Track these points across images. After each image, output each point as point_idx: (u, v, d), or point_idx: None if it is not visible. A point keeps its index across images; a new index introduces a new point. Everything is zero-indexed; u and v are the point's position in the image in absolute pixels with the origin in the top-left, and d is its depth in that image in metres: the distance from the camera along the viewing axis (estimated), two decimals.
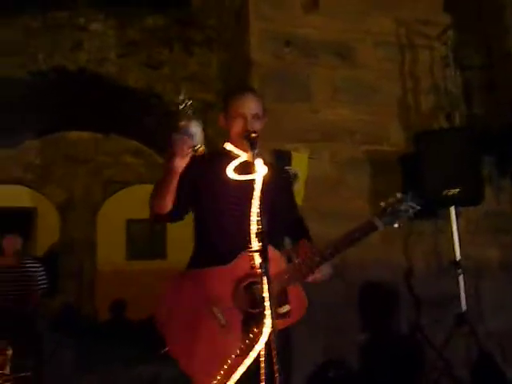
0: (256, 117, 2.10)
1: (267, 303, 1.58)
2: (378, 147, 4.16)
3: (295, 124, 4.08)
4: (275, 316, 1.92)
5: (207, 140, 1.85)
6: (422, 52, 4.35)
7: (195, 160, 2.08)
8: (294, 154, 3.92)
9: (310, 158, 3.99)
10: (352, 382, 3.61)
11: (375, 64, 4.27)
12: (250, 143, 1.86)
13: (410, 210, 2.02)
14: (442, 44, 4.36)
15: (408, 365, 3.78)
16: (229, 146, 2.13)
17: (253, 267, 1.64)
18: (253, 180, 1.77)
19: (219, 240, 2.02)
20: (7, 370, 3.56)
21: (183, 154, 1.76)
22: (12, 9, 5.48)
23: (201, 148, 1.76)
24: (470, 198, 3.71)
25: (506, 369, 3.59)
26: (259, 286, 1.90)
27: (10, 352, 3.58)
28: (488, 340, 3.65)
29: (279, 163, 3.82)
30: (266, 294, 1.60)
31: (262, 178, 1.72)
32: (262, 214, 1.67)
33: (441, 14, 4.45)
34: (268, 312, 1.58)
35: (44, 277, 4.68)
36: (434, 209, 3.96)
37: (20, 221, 8.44)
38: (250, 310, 1.87)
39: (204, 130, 1.77)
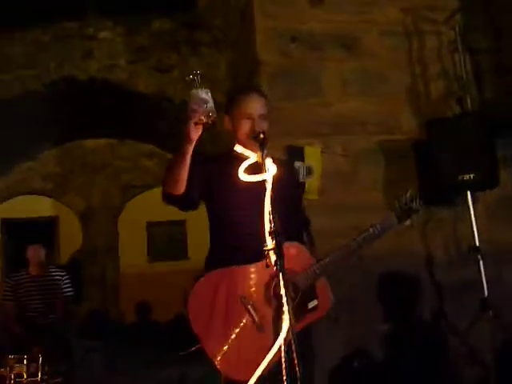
0: (263, 117, 2.13)
1: (284, 300, 1.61)
2: (390, 137, 4.15)
3: (307, 119, 4.10)
4: (304, 311, 1.99)
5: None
6: (429, 38, 4.32)
7: (208, 160, 2.13)
8: (307, 149, 3.94)
9: (322, 151, 4.01)
10: (376, 371, 3.63)
11: (383, 53, 4.26)
12: (259, 144, 1.90)
13: (420, 209, 2.10)
14: (450, 29, 4.32)
15: (432, 352, 3.78)
16: (239, 149, 2.17)
17: (268, 266, 1.67)
18: (264, 180, 1.80)
19: (239, 239, 2.06)
20: (39, 377, 3.66)
21: (197, 119, 1.80)
22: (23, 23, 5.59)
23: (213, 116, 1.81)
24: (485, 183, 3.70)
25: None
26: (290, 283, 1.96)
27: (40, 360, 3.67)
28: None
29: (292, 159, 3.86)
30: (282, 291, 1.63)
31: (272, 178, 1.75)
32: (274, 212, 1.70)
33: None
34: (286, 308, 1.61)
35: (69, 284, 4.78)
36: (450, 195, 3.96)
37: (42, 230, 8.60)
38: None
39: (214, 99, 1.83)
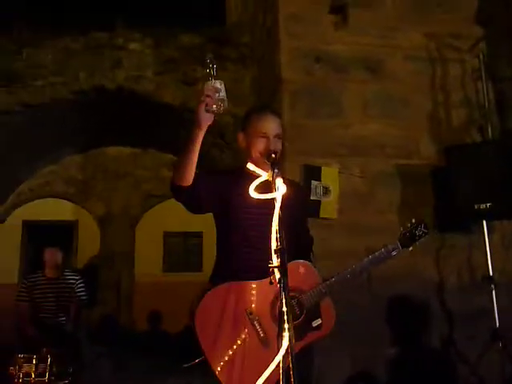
0: (277, 137, 2.17)
1: (285, 317, 1.64)
2: (408, 161, 4.16)
3: (326, 139, 4.13)
4: (308, 329, 2.02)
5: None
6: (452, 65, 4.35)
7: (222, 173, 2.18)
8: (324, 169, 3.97)
9: (340, 172, 4.03)
10: None
11: (406, 78, 4.29)
12: (270, 163, 1.94)
13: (423, 236, 2.22)
14: (474, 57, 4.34)
15: (440, 380, 3.74)
16: (251, 167, 2.21)
17: (272, 282, 1.70)
18: (274, 198, 1.84)
19: (247, 254, 2.10)
20: (46, 378, 3.71)
21: (208, 106, 1.85)
22: (55, 32, 5.75)
23: (224, 105, 1.87)
24: (501, 212, 3.68)
25: None
26: (295, 300, 1.99)
27: (49, 360, 3.73)
28: None
29: (309, 178, 3.89)
30: (284, 309, 1.65)
31: (281, 197, 1.79)
32: (281, 231, 1.74)
33: (472, 27, 4.44)
34: (286, 326, 1.63)
35: (83, 289, 4.84)
36: (466, 222, 3.94)
37: (62, 234, 8.73)
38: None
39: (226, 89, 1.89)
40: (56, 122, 6.34)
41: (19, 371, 3.70)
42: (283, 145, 4.04)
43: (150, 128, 6.86)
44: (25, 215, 9.49)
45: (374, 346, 3.67)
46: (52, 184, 9.17)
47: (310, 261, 2.19)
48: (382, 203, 4.05)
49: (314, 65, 4.20)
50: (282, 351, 1.64)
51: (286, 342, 1.63)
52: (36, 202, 9.30)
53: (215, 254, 2.25)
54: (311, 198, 3.80)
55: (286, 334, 1.63)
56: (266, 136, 2.16)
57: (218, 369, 1.96)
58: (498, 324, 3.51)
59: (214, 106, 1.86)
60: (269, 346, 1.97)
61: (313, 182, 3.83)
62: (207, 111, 1.88)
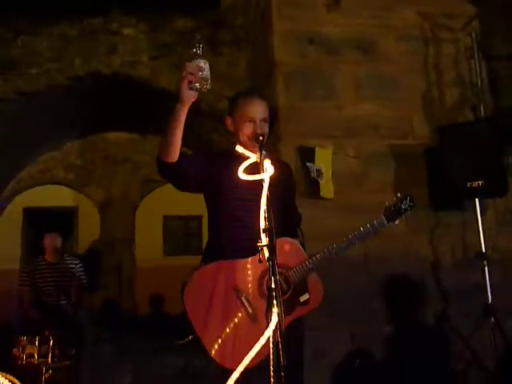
0: (264, 120, 2.22)
1: (274, 293, 1.70)
2: (402, 141, 4.19)
3: (320, 121, 4.16)
4: (296, 304, 2.08)
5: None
6: (446, 45, 4.36)
7: (212, 154, 2.23)
8: (318, 150, 4.00)
9: (334, 153, 4.07)
10: (378, 372, 3.69)
11: (398, 58, 4.30)
12: (258, 146, 1.99)
13: (409, 209, 2.17)
14: (467, 35, 4.35)
15: (435, 356, 3.82)
16: (240, 149, 2.26)
17: (261, 261, 1.76)
18: (262, 179, 1.88)
19: (236, 234, 2.15)
20: (49, 358, 3.81)
21: (191, 83, 1.90)
22: (50, 18, 5.74)
23: (207, 85, 1.92)
24: (493, 190, 3.72)
25: None
26: (282, 276, 2.05)
27: (51, 342, 3.82)
28: None
29: (304, 160, 3.93)
30: (273, 285, 1.71)
31: (269, 178, 1.83)
32: (269, 210, 1.79)
33: (465, 5, 4.44)
34: (274, 302, 1.69)
35: (83, 272, 4.93)
36: (459, 201, 3.99)
37: (62, 220, 8.80)
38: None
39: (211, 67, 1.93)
40: (53, 109, 6.36)
41: (22, 352, 3.80)
42: (278, 127, 4.13)
43: (147, 113, 6.88)
44: (25, 202, 9.54)
45: (371, 324, 3.75)
46: (52, 170, 9.21)
47: (296, 237, 2.24)
48: (376, 183, 4.09)
49: (307, 47, 4.22)
50: (271, 326, 1.70)
51: (274, 318, 1.69)
52: (36, 188, 9.34)
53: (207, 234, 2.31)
54: (312, 177, 3.85)
55: (274, 310, 1.69)
56: (253, 120, 2.21)
57: (211, 346, 2.03)
58: (490, 299, 3.57)
59: (197, 84, 1.91)
60: (258, 322, 2.03)
61: (307, 163, 3.87)
62: (191, 89, 1.92)
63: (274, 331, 1.70)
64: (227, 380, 1.87)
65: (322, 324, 3.45)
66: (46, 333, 3.86)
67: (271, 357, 1.70)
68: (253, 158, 2.09)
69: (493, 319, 3.47)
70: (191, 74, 1.90)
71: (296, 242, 2.20)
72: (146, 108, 6.69)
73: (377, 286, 3.82)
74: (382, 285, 3.84)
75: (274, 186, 1.86)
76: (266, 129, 2.22)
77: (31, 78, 5.60)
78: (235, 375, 1.72)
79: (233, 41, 5.73)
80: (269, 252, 1.74)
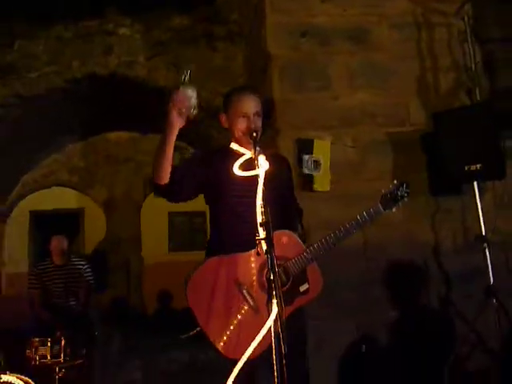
0: (257, 114, 2.27)
1: (273, 285, 1.74)
2: (399, 128, 4.21)
3: (316, 112, 4.19)
4: (296, 294, 2.13)
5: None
6: (439, 30, 4.36)
7: (206, 156, 2.28)
8: (316, 142, 4.04)
9: (332, 143, 4.10)
10: (383, 358, 3.74)
11: (392, 46, 4.32)
12: (252, 142, 2.03)
13: (405, 196, 2.23)
14: (460, 19, 4.36)
15: (440, 340, 3.86)
16: (235, 146, 2.31)
17: (259, 254, 1.80)
18: (257, 175, 1.93)
19: (236, 228, 2.20)
20: (61, 358, 3.89)
21: (180, 110, 1.98)
22: (46, 22, 5.77)
23: (195, 111, 1.99)
24: (491, 173, 3.74)
25: None
26: (281, 268, 2.10)
27: (63, 342, 3.90)
28: None
29: (302, 152, 3.97)
30: (272, 277, 1.76)
31: (264, 173, 1.88)
32: (266, 205, 1.83)
33: None
34: (274, 293, 1.74)
35: (90, 273, 5.00)
36: (457, 185, 4.02)
37: (68, 222, 8.87)
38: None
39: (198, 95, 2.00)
40: (53, 112, 6.41)
41: (35, 354, 3.88)
42: (275, 120, 4.16)
43: (145, 112, 6.92)
44: (31, 205, 9.62)
45: (374, 311, 3.79)
46: (56, 173, 9.28)
47: (295, 230, 2.28)
48: (375, 171, 4.12)
49: (300, 39, 4.24)
50: (272, 317, 1.75)
51: (274, 309, 1.74)
52: (41, 191, 9.42)
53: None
54: (304, 172, 3.88)
55: (274, 301, 1.74)
56: (246, 115, 2.25)
57: (215, 339, 2.08)
58: (492, 281, 3.61)
59: (185, 110, 1.97)
60: (260, 313, 2.08)
61: (304, 156, 3.90)
62: (179, 115, 1.96)
63: (275, 322, 1.75)
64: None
65: (324, 313, 3.50)
66: (58, 333, 3.93)
67: (273, 346, 1.75)
68: (248, 154, 2.13)
69: (495, 301, 3.51)
70: (180, 101, 1.93)
71: (293, 233, 2.24)
72: (144, 107, 6.72)
73: (378, 274, 3.87)
74: (383, 272, 3.88)
75: (270, 180, 1.91)
76: (260, 123, 2.27)
77: (30, 81, 5.65)
78: (239, 365, 1.77)
79: (228, 36, 5.75)
80: (267, 245, 1.79)
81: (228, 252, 2.16)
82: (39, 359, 3.89)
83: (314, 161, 3.91)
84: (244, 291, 2.11)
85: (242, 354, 2.02)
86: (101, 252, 9.23)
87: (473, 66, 4.22)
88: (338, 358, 3.72)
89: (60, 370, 3.93)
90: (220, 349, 2.12)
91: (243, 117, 2.26)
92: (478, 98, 4.16)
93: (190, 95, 1.97)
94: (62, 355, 3.89)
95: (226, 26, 5.81)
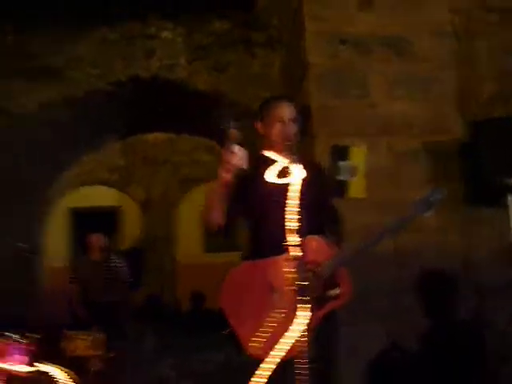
0: (293, 120, 2.34)
1: (301, 291, 1.79)
2: (436, 137, 4.19)
3: (354, 120, 4.21)
4: (327, 299, 2.17)
5: None
6: (479, 38, 4.34)
7: (242, 181, 2.38)
8: (352, 149, 4.06)
9: (368, 151, 4.12)
10: (413, 366, 3.73)
11: (431, 54, 4.29)
12: (287, 149, 2.09)
13: (439, 201, 2.23)
14: (502, 29, 4.32)
15: (471, 351, 3.83)
16: (268, 153, 2.37)
17: (290, 259, 1.85)
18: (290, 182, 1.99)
19: (270, 233, 2.26)
20: (96, 351, 4.03)
21: (229, 169, 2.10)
22: (91, 24, 5.95)
23: (243, 164, 2.12)
24: None
25: None
26: (311, 273, 2.14)
27: (97, 336, 4.03)
28: None
29: (337, 158, 4.00)
30: (300, 283, 1.80)
31: (298, 180, 1.93)
32: (298, 212, 1.88)
33: None
34: (301, 299, 1.78)
35: (126, 271, 5.14)
36: (493, 197, 3.98)
37: (106, 219, 9.08)
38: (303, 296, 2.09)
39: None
40: (95, 113, 6.58)
41: (70, 346, 4.02)
42: (312, 127, 4.20)
43: (182, 113, 7.04)
44: (71, 202, 9.89)
45: (404, 319, 3.78)
46: (95, 171, 9.53)
47: (326, 235, 2.31)
48: (411, 180, 4.11)
49: (338, 47, 4.27)
50: (302, 322, 1.81)
51: (304, 314, 1.79)
52: (80, 189, 9.68)
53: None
54: (338, 178, 3.91)
55: (304, 306, 1.79)
56: (282, 120, 2.33)
57: (246, 342, 2.14)
58: None
59: (232, 168, 2.11)
60: (290, 317, 2.12)
61: (340, 162, 3.93)
62: (227, 172, 2.14)
63: (304, 326, 1.80)
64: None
65: (355, 319, 3.52)
66: (93, 328, 4.06)
67: (303, 351, 1.80)
68: (281, 161, 2.19)
69: None
70: (227, 162, 2.10)
71: (324, 238, 2.26)
72: (182, 108, 6.85)
73: (409, 281, 3.86)
74: (415, 280, 3.87)
75: (303, 186, 1.95)
76: (295, 130, 2.34)
77: (75, 83, 5.83)
78: (265, 366, 1.82)
79: (267, 42, 5.82)
80: (297, 251, 1.84)
81: (262, 256, 2.22)
82: (74, 352, 4.03)
83: (350, 168, 3.94)
84: (275, 295, 2.16)
85: (272, 357, 2.07)
86: (137, 250, 9.42)
87: None
88: (367, 364, 3.73)
89: (94, 364, 4.06)
90: (250, 350, 2.17)
91: (279, 121, 2.34)
92: None
93: (238, 154, 2.08)
94: (96, 348, 4.02)
95: (265, 33, 5.88)
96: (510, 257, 3.70)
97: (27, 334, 3.54)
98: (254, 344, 2.14)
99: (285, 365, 2.03)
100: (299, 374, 1.89)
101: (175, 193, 9.80)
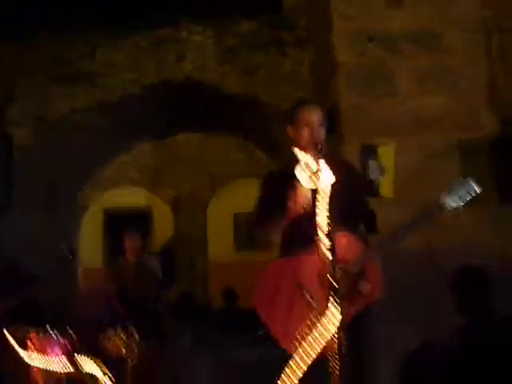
0: (321, 124, 2.39)
1: (332, 288, 1.82)
2: (468, 134, 4.17)
3: (383, 118, 4.23)
4: (357, 295, 2.19)
5: None
6: (510, 34, 4.29)
7: (274, 188, 2.43)
8: (381, 148, 4.07)
9: (397, 149, 4.12)
10: (448, 366, 3.71)
11: (461, 50, 4.28)
12: (317, 153, 2.13)
13: (473, 193, 2.16)
14: None
15: (507, 348, 3.79)
16: (300, 155, 2.40)
17: (320, 256, 1.88)
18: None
19: (306, 231, 2.30)
20: (134, 351, 4.12)
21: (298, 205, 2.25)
22: (122, 29, 6.08)
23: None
24: None
25: None
26: (342, 270, 2.17)
27: (135, 335, 4.12)
28: None
29: (366, 158, 4.02)
30: (333, 280, 1.84)
31: (328, 183, 1.96)
32: (329, 216, 1.91)
33: None
34: (333, 298, 1.82)
35: (160, 270, 5.26)
36: None
37: (138, 219, 9.24)
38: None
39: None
40: (129, 116, 6.74)
41: (110, 344, 4.12)
42: (341, 126, 4.22)
43: (213, 114, 7.13)
44: (104, 203, 10.10)
45: (438, 316, 3.78)
46: (126, 172, 9.71)
47: (355, 231, 2.34)
48: (443, 178, 4.08)
49: (366, 44, 4.29)
50: (334, 320, 1.84)
51: (336, 311, 1.82)
52: (113, 190, 9.87)
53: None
54: (369, 177, 3.93)
55: (335, 303, 1.82)
56: (310, 124, 2.38)
57: (280, 338, 2.20)
58: None
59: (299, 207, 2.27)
60: (321, 314, 2.16)
61: (369, 161, 3.95)
62: (295, 207, 2.26)
63: (337, 324, 1.83)
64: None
65: (387, 317, 3.53)
66: (131, 326, 4.16)
67: (336, 348, 1.83)
68: (312, 164, 2.23)
69: None
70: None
71: (352, 235, 2.29)
72: (213, 109, 6.94)
73: (442, 279, 3.84)
74: (448, 278, 3.85)
75: (334, 185, 1.99)
76: (323, 134, 2.41)
77: (109, 88, 5.98)
78: (298, 363, 1.86)
79: (296, 42, 5.86)
80: (327, 250, 1.87)
81: (295, 254, 2.27)
82: (112, 350, 4.14)
83: (379, 167, 3.95)
84: (305, 292, 2.20)
85: (306, 354, 2.11)
86: (169, 249, 9.56)
87: None
88: (400, 362, 3.74)
89: (132, 361, 4.15)
90: (284, 347, 2.22)
91: (307, 126, 2.40)
92: None
93: (306, 195, 2.19)
94: (134, 347, 4.12)
95: (294, 32, 5.91)
96: None
97: (67, 330, 3.64)
98: (287, 340, 2.19)
99: (318, 363, 2.07)
100: (333, 371, 1.93)
101: (206, 192, 9.92)
